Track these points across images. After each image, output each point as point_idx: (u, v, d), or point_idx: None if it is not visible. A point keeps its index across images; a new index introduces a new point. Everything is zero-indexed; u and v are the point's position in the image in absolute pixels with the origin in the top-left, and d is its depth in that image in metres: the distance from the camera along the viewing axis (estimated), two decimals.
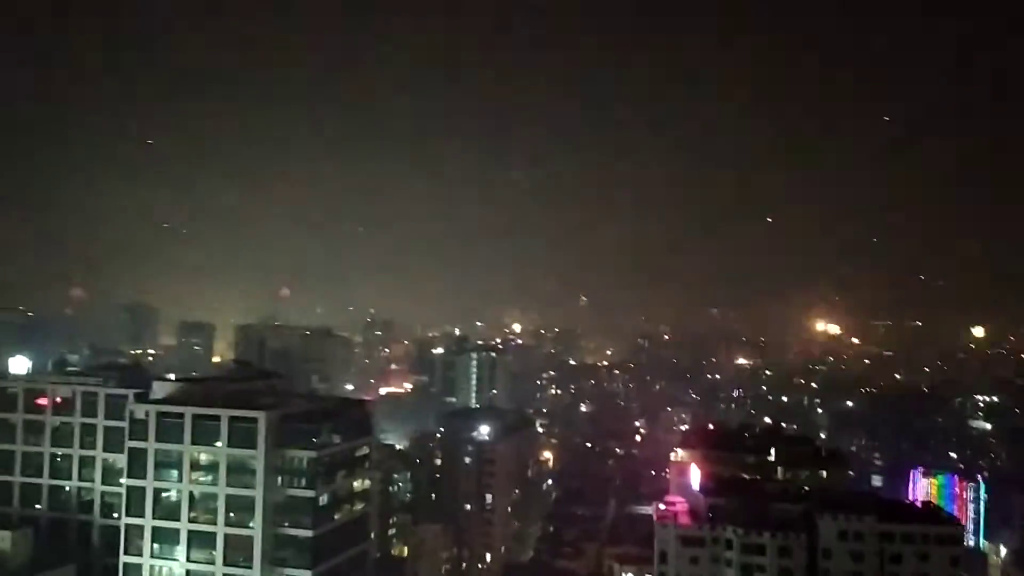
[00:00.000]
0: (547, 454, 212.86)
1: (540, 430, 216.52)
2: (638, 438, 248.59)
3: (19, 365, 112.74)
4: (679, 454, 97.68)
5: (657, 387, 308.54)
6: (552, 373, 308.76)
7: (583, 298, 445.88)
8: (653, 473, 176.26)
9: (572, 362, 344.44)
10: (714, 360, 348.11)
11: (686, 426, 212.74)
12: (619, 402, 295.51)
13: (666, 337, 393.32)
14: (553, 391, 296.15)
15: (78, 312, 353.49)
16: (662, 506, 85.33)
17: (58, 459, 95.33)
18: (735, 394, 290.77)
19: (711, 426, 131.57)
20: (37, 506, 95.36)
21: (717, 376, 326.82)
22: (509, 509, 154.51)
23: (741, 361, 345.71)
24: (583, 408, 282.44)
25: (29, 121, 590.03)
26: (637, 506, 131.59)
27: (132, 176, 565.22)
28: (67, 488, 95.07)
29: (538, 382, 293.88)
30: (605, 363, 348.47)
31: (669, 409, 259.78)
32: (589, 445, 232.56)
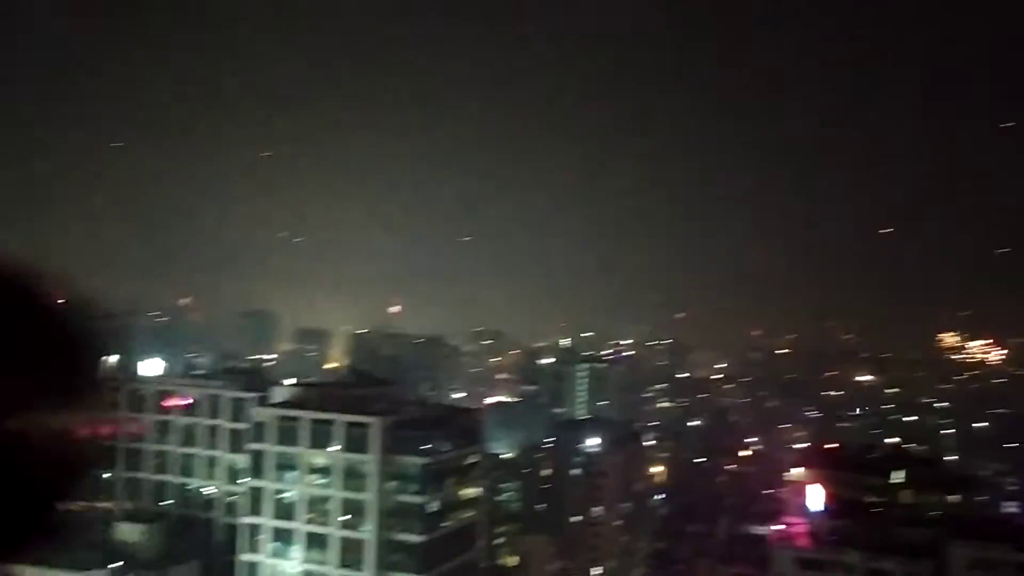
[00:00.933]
0: (656, 468, 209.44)
1: (649, 444, 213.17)
2: (751, 455, 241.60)
3: (152, 367, 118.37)
4: (797, 473, 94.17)
5: (771, 403, 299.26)
6: (662, 386, 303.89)
7: (681, 314, 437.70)
8: (768, 492, 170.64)
9: (682, 375, 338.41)
10: (833, 376, 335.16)
11: (803, 444, 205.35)
12: (731, 417, 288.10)
13: (781, 351, 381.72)
14: (662, 404, 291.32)
15: (203, 318, 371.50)
16: (779, 527, 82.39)
17: (185, 458, 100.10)
18: (856, 412, 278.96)
19: (831, 445, 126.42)
20: (167, 503, 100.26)
21: (836, 393, 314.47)
22: (618, 523, 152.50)
23: (862, 377, 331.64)
24: (693, 422, 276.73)
25: (158, 136, 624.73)
26: (751, 525, 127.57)
27: (250, 187, 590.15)
28: (193, 486, 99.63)
29: (647, 395, 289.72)
30: (717, 377, 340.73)
31: (784, 426, 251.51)
32: (700, 461, 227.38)
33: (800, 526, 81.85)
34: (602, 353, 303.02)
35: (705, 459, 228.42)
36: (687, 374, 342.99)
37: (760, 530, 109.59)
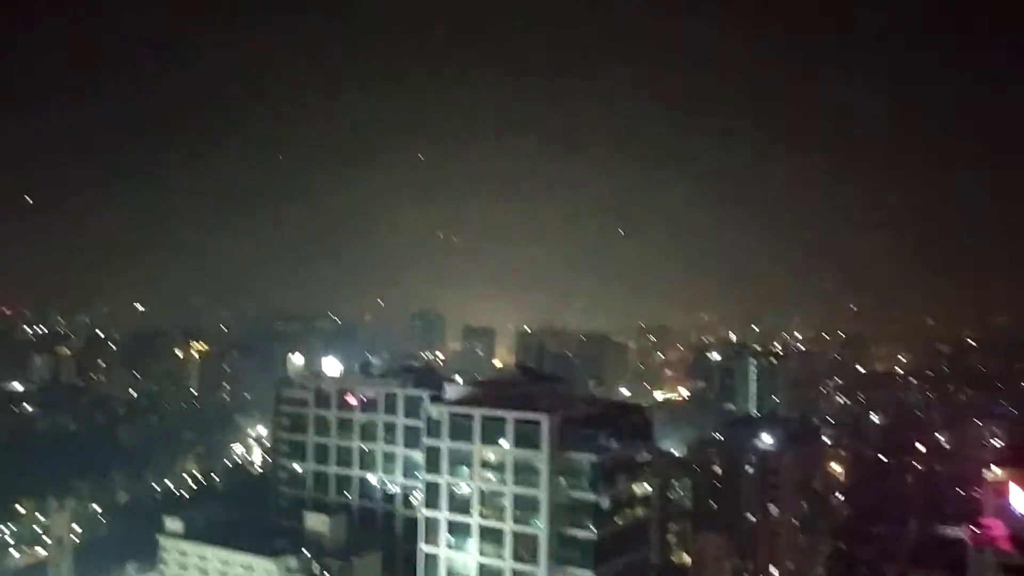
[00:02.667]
0: (836, 467, 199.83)
1: (827, 441, 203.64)
2: (940, 453, 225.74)
3: (332, 367, 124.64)
4: (995, 472, 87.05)
5: (961, 397, 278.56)
6: (838, 381, 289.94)
7: (852, 307, 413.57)
8: (960, 492, 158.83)
9: (861, 369, 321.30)
10: None
11: (1000, 441, 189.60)
12: (916, 413, 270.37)
13: (970, 342, 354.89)
14: (840, 400, 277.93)
15: (377, 319, 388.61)
16: (976, 529, 76.49)
17: (365, 453, 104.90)
18: None
19: None
20: (348, 495, 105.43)
21: None
22: (795, 523, 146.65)
23: None
24: (875, 419, 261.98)
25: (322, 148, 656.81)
26: (942, 527, 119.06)
27: (413, 192, 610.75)
28: (373, 480, 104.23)
29: (823, 390, 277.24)
30: (899, 370, 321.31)
31: (977, 422, 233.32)
32: (883, 459, 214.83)
33: (1001, 529, 75.63)
34: (773, 347, 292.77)
35: (889, 457, 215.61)
36: (866, 368, 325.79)
37: (955, 532, 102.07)
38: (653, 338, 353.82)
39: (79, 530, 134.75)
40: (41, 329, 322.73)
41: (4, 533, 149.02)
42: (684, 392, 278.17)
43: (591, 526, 76.89)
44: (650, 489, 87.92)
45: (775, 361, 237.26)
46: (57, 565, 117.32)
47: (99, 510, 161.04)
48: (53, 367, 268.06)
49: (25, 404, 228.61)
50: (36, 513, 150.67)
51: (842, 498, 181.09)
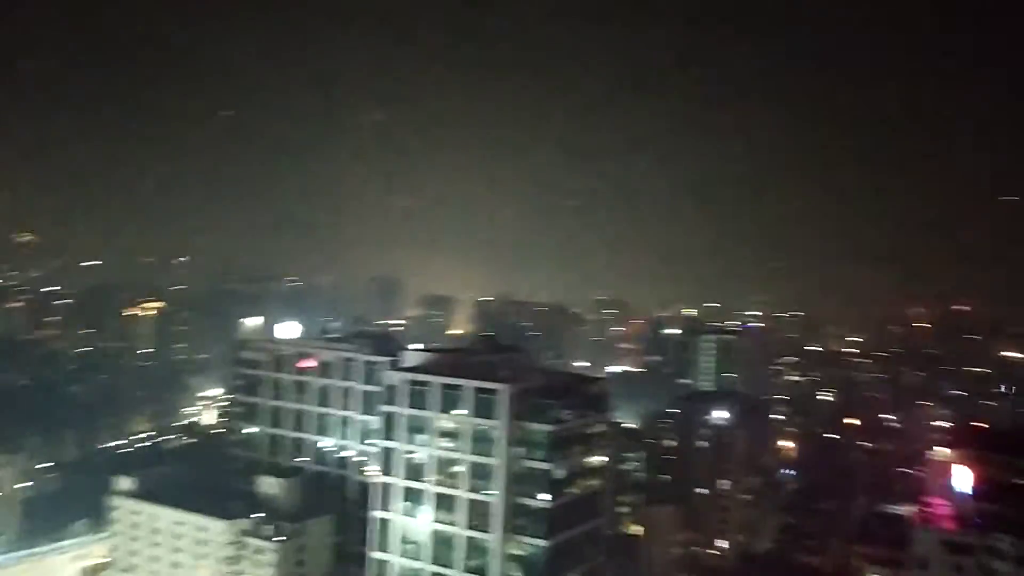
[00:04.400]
0: (786, 443, 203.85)
1: (778, 418, 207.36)
2: (887, 432, 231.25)
3: (291, 330, 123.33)
4: (940, 452, 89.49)
5: (910, 379, 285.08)
6: (791, 359, 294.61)
7: (807, 287, 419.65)
8: (906, 471, 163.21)
9: (813, 348, 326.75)
10: (977, 352, 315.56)
11: (943, 422, 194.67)
12: (866, 393, 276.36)
13: (920, 325, 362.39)
14: (792, 378, 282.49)
15: (335, 283, 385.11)
16: (921, 507, 78.60)
17: (321, 417, 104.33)
18: (1002, 390, 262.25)
19: (981, 424, 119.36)
20: (304, 459, 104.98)
21: (980, 370, 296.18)
22: (746, 497, 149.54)
23: (1009, 354, 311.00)
24: (825, 397, 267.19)
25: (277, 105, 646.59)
26: (889, 504, 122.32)
27: (373, 158, 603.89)
28: (328, 444, 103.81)
29: (776, 368, 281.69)
30: (851, 351, 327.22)
31: (924, 403, 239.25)
32: (832, 436, 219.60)
33: (945, 507, 77.85)
34: (728, 324, 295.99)
35: (838, 435, 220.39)
36: (819, 347, 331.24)
37: (899, 510, 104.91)
38: (611, 311, 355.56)
39: (28, 486, 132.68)
40: None
41: None
42: (640, 366, 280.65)
43: (545, 495, 77.37)
44: (604, 460, 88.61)
45: (731, 338, 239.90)
46: (3, 521, 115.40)
47: (48, 466, 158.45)
48: (3, 321, 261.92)
49: None
50: None
51: (792, 474, 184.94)
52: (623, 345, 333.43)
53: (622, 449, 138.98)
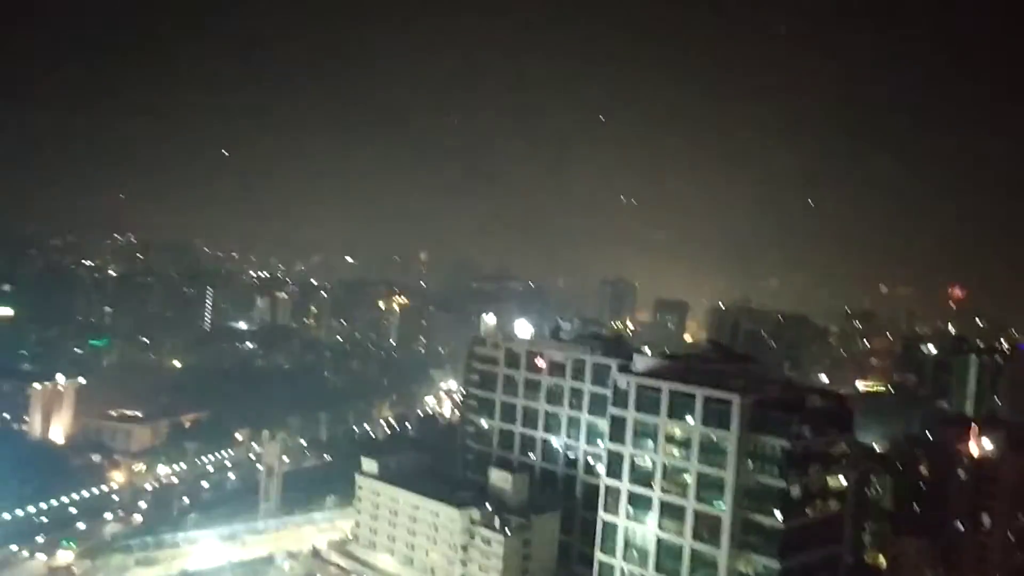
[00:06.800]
0: None
1: None
2: None
3: (523, 329, 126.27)
4: None
5: None
6: None
7: None
8: None
9: None
10: None
11: None
12: None
13: None
14: None
15: (568, 285, 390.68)
16: None
17: (550, 416, 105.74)
18: None
19: None
20: (531, 455, 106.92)
21: None
22: (1011, 537, 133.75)
23: None
24: None
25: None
26: None
27: (611, 162, 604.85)
28: (556, 443, 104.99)
29: None
30: None
31: None
32: None
33: None
34: (997, 344, 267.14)
35: None
36: None
37: None
38: (858, 324, 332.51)
39: (287, 461, 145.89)
40: (263, 274, 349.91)
41: (224, 458, 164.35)
42: (890, 385, 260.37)
43: (778, 514, 73.45)
44: (845, 483, 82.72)
45: (1001, 360, 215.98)
46: (267, 490, 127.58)
47: (304, 444, 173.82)
48: (272, 310, 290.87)
49: (248, 342, 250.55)
50: (252, 442, 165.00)
51: None
52: (871, 361, 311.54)
53: (867, 473, 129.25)
